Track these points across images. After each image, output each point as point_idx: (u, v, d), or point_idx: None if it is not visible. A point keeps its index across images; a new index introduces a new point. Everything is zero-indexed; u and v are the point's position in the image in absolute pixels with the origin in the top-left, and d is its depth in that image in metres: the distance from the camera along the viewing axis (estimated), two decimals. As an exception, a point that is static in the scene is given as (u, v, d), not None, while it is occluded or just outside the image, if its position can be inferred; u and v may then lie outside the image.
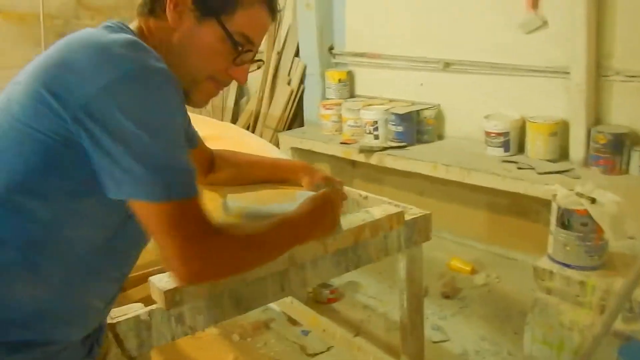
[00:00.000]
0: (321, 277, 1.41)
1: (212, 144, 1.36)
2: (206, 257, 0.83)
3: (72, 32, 0.90)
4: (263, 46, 3.68)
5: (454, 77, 3.00)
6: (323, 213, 1.12)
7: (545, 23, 2.60)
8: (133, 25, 0.96)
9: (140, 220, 0.82)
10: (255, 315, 2.38)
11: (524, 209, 2.80)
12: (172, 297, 1.11)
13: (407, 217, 1.53)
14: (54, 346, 0.86)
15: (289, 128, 3.67)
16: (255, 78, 3.75)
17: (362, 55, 3.39)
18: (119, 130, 0.77)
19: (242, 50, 0.95)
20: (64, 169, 0.80)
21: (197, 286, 1.10)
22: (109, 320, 1.06)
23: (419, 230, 1.56)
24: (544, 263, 1.60)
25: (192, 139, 1.23)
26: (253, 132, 3.81)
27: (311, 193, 1.26)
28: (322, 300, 2.53)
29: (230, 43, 0.93)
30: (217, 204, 1.26)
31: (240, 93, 4.10)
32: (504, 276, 2.72)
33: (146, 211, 0.80)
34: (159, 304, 1.12)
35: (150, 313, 1.12)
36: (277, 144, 3.54)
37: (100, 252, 0.90)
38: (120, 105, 0.77)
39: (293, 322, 2.35)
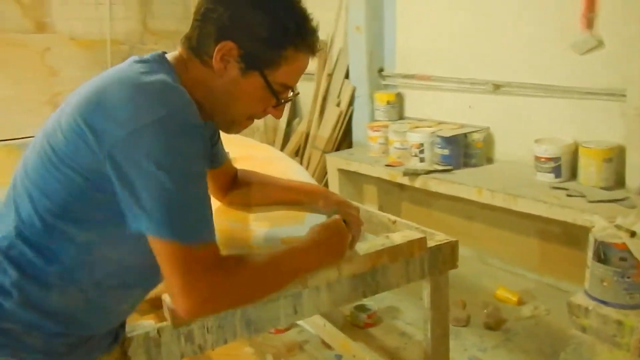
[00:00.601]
0: (337, 302, 1.39)
1: (239, 164, 1.39)
2: (207, 295, 0.89)
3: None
4: (313, 68, 3.74)
5: (504, 100, 2.91)
6: (332, 241, 1.13)
7: (600, 43, 2.49)
8: (173, 55, 1.02)
9: (153, 252, 0.89)
10: (290, 336, 2.38)
11: (577, 237, 2.65)
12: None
13: (432, 244, 1.49)
14: (86, 334, 0.97)
15: (338, 149, 3.68)
16: (307, 99, 3.80)
17: (411, 77, 3.37)
18: (142, 170, 0.84)
19: (281, 98, 1.03)
20: (99, 201, 0.89)
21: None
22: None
23: (444, 257, 1.51)
24: (580, 299, 1.51)
25: (215, 158, 1.26)
26: (303, 153, 3.85)
27: (321, 216, 1.26)
28: (359, 325, 2.49)
29: (271, 92, 1.00)
30: (226, 226, 1.29)
31: (293, 114, 4.17)
32: (553, 309, 2.57)
33: (156, 245, 0.88)
34: (169, 321, 1.15)
35: (159, 330, 1.15)
36: (324, 166, 3.56)
37: (131, 268, 0.99)
38: (146, 149, 0.84)
39: (327, 345, 2.32)
